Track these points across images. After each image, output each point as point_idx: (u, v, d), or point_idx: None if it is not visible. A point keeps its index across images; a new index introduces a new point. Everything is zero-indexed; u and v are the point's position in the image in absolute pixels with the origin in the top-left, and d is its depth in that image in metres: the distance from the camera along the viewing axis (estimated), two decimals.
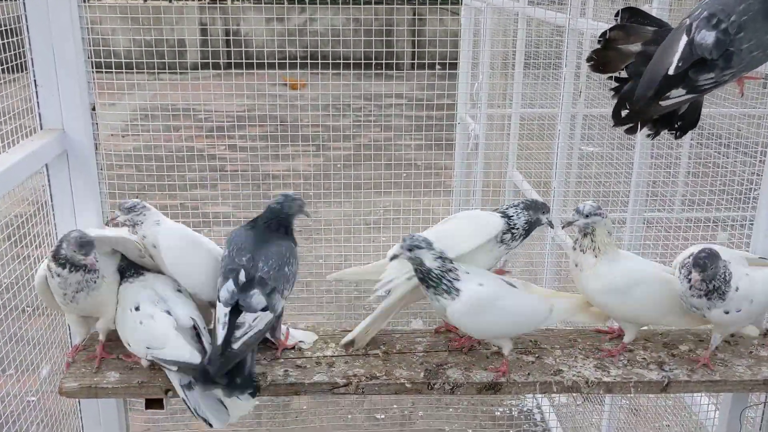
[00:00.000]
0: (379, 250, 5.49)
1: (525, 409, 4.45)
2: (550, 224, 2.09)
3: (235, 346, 1.83)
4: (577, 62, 3.99)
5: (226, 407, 1.88)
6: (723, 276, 1.88)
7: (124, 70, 3.72)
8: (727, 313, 1.91)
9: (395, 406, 4.43)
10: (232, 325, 1.85)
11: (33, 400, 2.72)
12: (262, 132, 6.79)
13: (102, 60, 3.63)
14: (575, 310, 2.06)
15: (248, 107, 7.35)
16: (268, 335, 1.98)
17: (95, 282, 1.82)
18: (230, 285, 1.88)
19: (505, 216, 2.04)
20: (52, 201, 1.97)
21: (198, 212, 4.37)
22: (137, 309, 1.88)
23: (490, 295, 1.88)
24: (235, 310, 1.86)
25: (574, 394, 4.15)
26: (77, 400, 2.18)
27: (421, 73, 4.79)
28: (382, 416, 4.35)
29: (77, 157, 1.93)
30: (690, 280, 1.87)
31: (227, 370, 1.82)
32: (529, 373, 1.99)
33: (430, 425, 4.26)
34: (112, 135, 7.44)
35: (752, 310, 1.96)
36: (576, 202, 4.27)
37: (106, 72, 3.76)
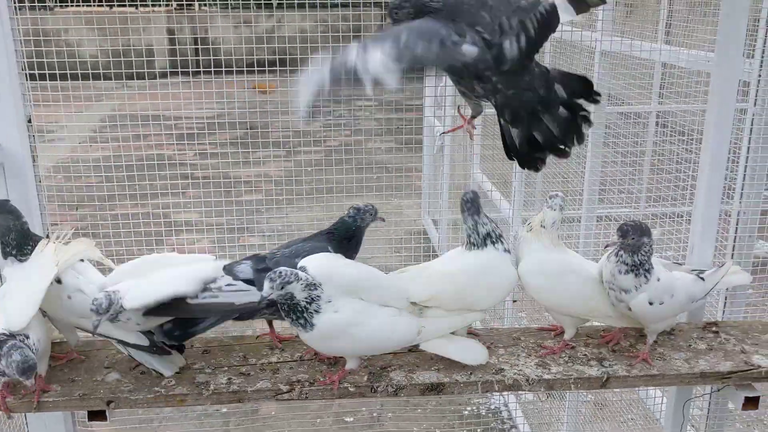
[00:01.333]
0: None
1: (492, 407, 4.48)
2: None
3: (191, 301, 1.85)
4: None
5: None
6: (647, 252, 1.96)
7: (98, 80, 3.72)
8: (651, 303, 1.96)
9: (364, 408, 4.44)
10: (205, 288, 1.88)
11: None
12: (231, 138, 6.80)
13: (67, 71, 3.63)
14: (447, 331, 2.04)
15: (218, 113, 7.34)
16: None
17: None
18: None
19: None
20: None
21: (167, 220, 4.37)
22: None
23: (342, 323, 1.86)
24: None
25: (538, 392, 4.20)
26: (24, 416, 2.17)
27: None
28: (351, 419, 4.37)
29: (14, 170, 1.93)
30: (616, 255, 1.95)
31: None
32: (471, 373, 2.01)
33: (399, 426, 4.29)
34: (80, 143, 7.40)
35: (673, 305, 2.01)
36: (540, 201, 4.32)
37: (72, 82, 3.76)
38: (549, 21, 1.85)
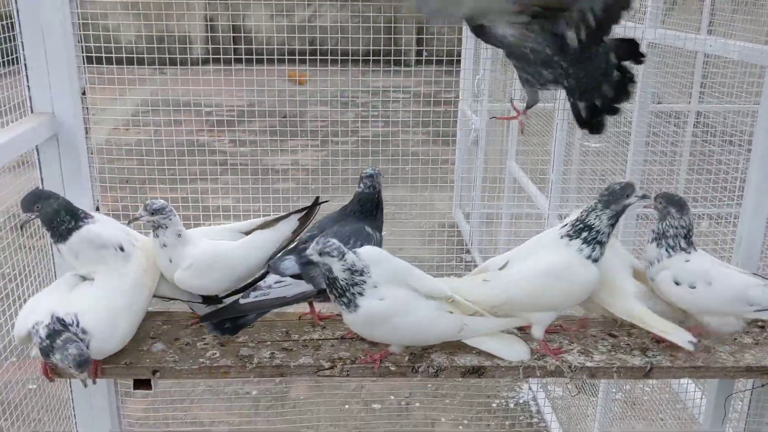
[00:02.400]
0: (384, 244, 5.51)
1: (521, 401, 4.47)
2: (645, 197, 1.98)
3: (243, 301, 1.90)
4: None
5: None
6: (674, 225, 1.96)
7: (133, 65, 3.76)
8: (677, 284, 1.93)
9: (392, 396, 4.46)
10: (254, 285, 1.93)
11: (33, 388, 2.76)
12: (264, 126, 6.84)
13: (104, 55, 3.66)
14: (490, 331, 2.02)
15: (252, 102, 7.37)
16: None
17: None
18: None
19: (586, 230, 1.95)
20: (42, 185, 2.00)
21: (199, 205, 4.41)
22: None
23: (386, 312, 1.86)
24: None
25: (568, 386, 4.17)
26: (69, 387, 2.21)
27: (423, 68, 4.81)
28: (379, 406, 4.38)
29: (67, 141, 1.96)
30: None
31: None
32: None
33: (426, 416, 4.29)
34: (114, 129, 7.50)
35: (711, 296, 1.97)
36: (575, 197, 4.28)
37: (113, 66, 3.81)
38: (611, 12, 1.84)
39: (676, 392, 2.98)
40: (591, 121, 1.99)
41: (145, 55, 4.12)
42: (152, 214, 1.89)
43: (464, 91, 6.09)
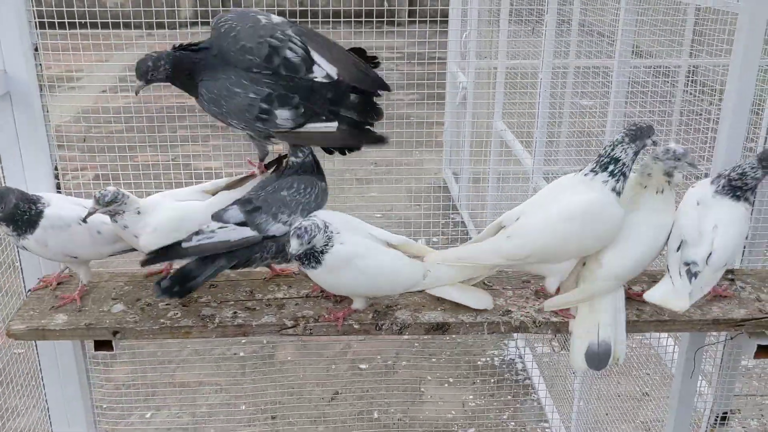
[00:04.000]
0: (369, 208, 5.50)
1: (507, 358, 4.49)
2: (655, 144, 1.96)
3: (185, 245, 1.87)
4: (558, 11, 3.93)
5: None
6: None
7: (119, 29, 3.69)
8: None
9: (379, 356, 4.48)
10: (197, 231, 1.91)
11: (20, 353, 2.77)
12: None
13: (97, 20, 3.61)
14: (454, 280, 2.01)
15: None
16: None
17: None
18: None
19: (612, 163, 1.91)
20: None
21: (189, 166, 4.38)
22: None
23: (348, 254, 1.86)
24: None
25: (552, 343, 4.19)
26: (36, 351, 2.21)
27: (416, 28, 4.75)
28: (365, 366, 4.40)
29: (21, 99, 1.93)
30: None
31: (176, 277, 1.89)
32: (477, 314, 1.99)
33: (412, 374, 4.32)
34: (102, 92, 7.44)
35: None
36: (564, 157, 4.23)
37: (96, 30, 3.74)
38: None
39: (656, 348, 2.98)
40: (364, 135, 2.05)
41: (132, 20, 4.05)
42: (107, 205, 1.85)
43: (451, 50, 6.01)
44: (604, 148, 1.96)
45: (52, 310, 1.93)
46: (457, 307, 2.02)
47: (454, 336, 4.06)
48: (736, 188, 1.98)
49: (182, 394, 4.09)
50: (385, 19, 8.58)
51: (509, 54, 4.82)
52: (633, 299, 2.04)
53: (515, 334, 4.46)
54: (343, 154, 2.17)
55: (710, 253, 1.93)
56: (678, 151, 1.94)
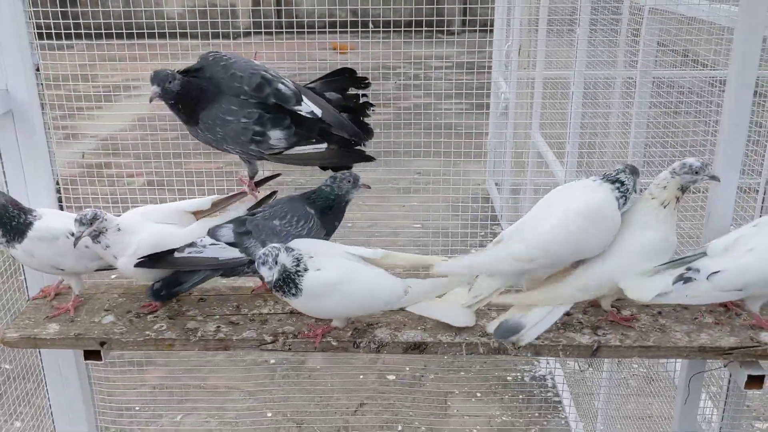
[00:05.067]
0: (407, 217, 5.52)
1: (537, 375, 4.42)
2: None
3: (177, 254, 1.95)
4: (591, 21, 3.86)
5: None
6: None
7: (177, 39, 3.82)
8: None
9: (407, 368, 4.48)
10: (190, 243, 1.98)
11: (8, 368, 2.88)
12: None
13: (147, 31, 3.76)
14: (434, 293, 2.02)
15: (293, 73, 7.40)
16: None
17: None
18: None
19: (618, 182, 1.95)
20: (1, 159, 2.08)
21: (232, 176, 4.49)
22: None
23: (329, 280, 1.87)
24: None
25: (578, 362, 4.10)
26: (41, 360, 2.31)
27: (466, 38, 4.75)
28: (393, 377, 4.41)
29: (22, 117, 2.03)
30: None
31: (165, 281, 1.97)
32: (456, 334, 1.99)
33: (439, 387, 4.30)
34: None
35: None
36: (598, 169, 4.15)
37: (154, 40, 3.90)
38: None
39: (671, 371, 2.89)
40: (353, 155, 2.14)
41: (188, 30, 4.19)
42: (90, 224, 1.91)
43: (495, 59, 5.98)
44: (609, 172, 1.99)
45: (46, 320, 2.02)
46: (439, 325, 2.02)
47: None
48: None
49: (212, 399, 4.19)
50: (434, 28, 8.56)
51: (548, 64, 4.76)
52: (618, 323, 2.00)
53: None
54: (335, 170, 2.20)
55: (717, 272, 1.88)
56: (695, 165, 1.92)
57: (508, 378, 4.39)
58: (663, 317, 2.04)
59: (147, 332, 1.98)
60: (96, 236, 1.93)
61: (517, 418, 4.07)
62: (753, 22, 1.93)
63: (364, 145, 2.17)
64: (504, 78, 5.84)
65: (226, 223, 2.04)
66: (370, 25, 3.76)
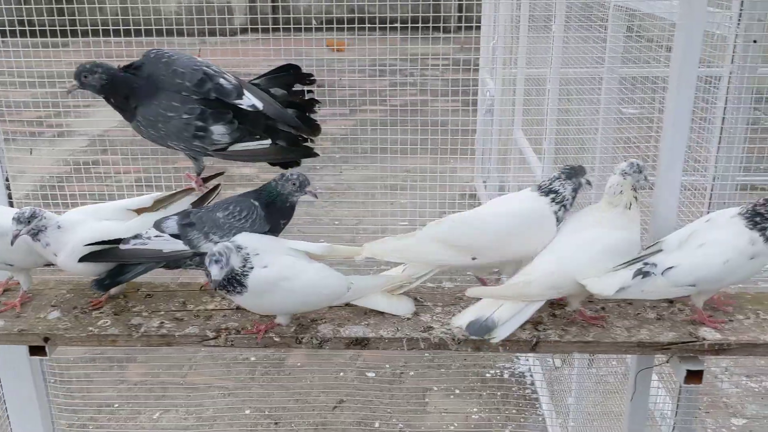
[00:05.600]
0: (395, 214, 5.52)
1: (517, 371, 4.42)
2: (589, 183, 2.10)
3: (123, 247, 1.98)
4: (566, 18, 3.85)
5: None
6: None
7: (174, 36, 3.85)
8: None
9: (387, 365, 4.49)
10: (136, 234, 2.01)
11: None
12: None
13: (144, 27, 3.77)
14: (377, 289, 2.06)
15: None
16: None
17: None
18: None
19: (553, 193, 2.04)
20: None
21: (226, 175, 4.50)
22: None
23: (273, 277, 1.90)
24: None
25: (553, 359, 4.10)
26: None
27: (462, 35, 4.74)
28: (373, 374, 4.42)
29: None
30: None
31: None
32: (398, 329, 2.00)
33: (418, 384, 4.31)
34: None
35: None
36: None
37: (149, 38, 3.92)
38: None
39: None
40: (299, 151, 2.16)
41: (184, 27, 4.20)
42: (28, 222, 1.93)
43: (483, 57, 5.98)
44: (544, 182, 2.08)
45: None
46: (382, 321, 2.03)
47: None
48: (756, 216, 1.91)
49: (191, 396, 4.21)
50: (431, 24, 8.53)
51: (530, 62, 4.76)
52: (588, 322, 2.01)
53: None
54: (285, 167, 2.22)
55: (672, 267, 1.90)
56: (639, 164, 1.99)
57: (487, 375, 4.39)
58: (606, 313, 2.04)
59: (91, 328, 2.00)
60: (35, 234, 1.95)
61: (495, 414, 4.08)
62: (693, 17, 1.93)
63: (312, 141, 2.19)
64: (490, 76, 5.83)
65: (173, 215, 2.06)
66: (366, 21, 3.76)
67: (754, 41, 2.02)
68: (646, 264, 1.93)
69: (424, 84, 7.85)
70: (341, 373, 4.44)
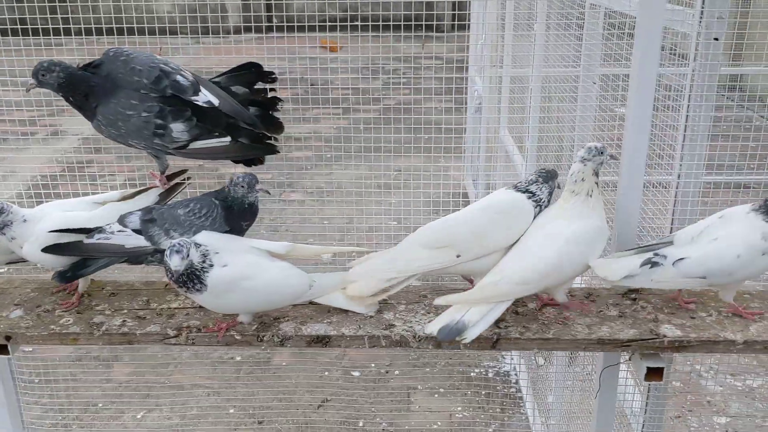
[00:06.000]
0: (389, 213, 5.52)
1: (502, 370, 4.42)
2: (559, 187, 2.13)
3: (86, 241, 1.99)
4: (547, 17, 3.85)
5: None
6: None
7: (166, 35, 3.84)
8: None
9: (373, 364, 4.49)
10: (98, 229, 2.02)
11: None
12: (291, 94, 6.91)
13: (144, 25, 3.78)
14: (339, 286, 2.07)
15: (283, 70, 7.42)
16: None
17: None
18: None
19: (529, 193, 2.06)
20: None
21: (214, 175, 4.52)
22: None
23: (232, 276, 1.90)
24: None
25: (535, 357, 4.10)
26: None
27: (456, 33, 4.73)
28: (358, 374, 4.42)
29: None
30: None
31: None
32: (360, 327, 2.00)
33: (403, 383, 4.31)
34: None
35: None
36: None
37: (146, 37, 3.93)
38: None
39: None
40: (260, 148, 2.16)
41: (178, 25, 4.20)
42: None
43: (472, 57, 5.98)
44: (520, 182, 2.10)
45: None
46: (345, 319, 2.03)
47: None
48: None
49: (175, 395, 4.21)
50: (423, 22, 8.57)
51: (515, 61, 4.76)
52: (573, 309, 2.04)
53: None
54: (249, 165, 2.22)
55: (683, 258, 1.91)
56: (599, 146, 2.00)
57: (472, 374, 4.38)
58: (568, 310, 2.04)
59: (52, 326, 2.01)
60: (1, 228, 1.96)
61: (479, 413, 4.08)
62: (651, 15, 1.93)
63: (275, 139, 2.19)
64: (479, 76, 5.83)
65: (137, 210, 2.07)
66: (359, 20, 3.77)
67: (716, 39, 2.01)
68: (656, 254, 1.95)
69: (416, 83, 7.85)
70: (326, 373, 4.44)
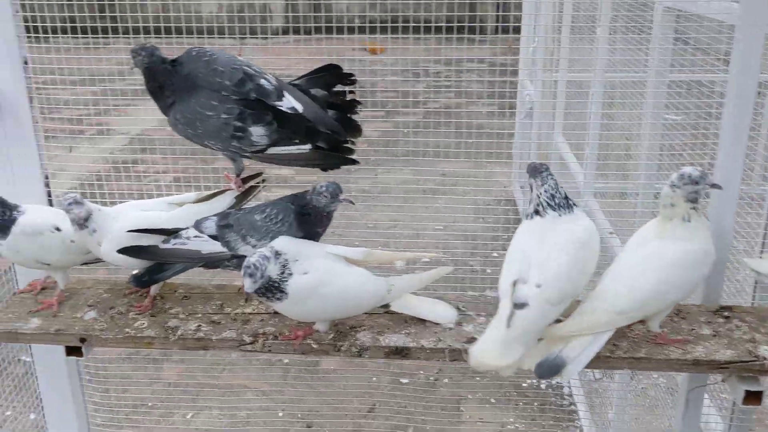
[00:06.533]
0: (430, 219, 5.45)
1: (554, 382, 4.32)
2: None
3: (162, 246, 1.96)
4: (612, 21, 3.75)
5: None
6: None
7: (214, 35, 3.85)
8: None
9: (422, 372, 4.42)
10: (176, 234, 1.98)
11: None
12: None
13: (192, 25, 3.79)
14: (417, 287, 2.02)
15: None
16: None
17: None
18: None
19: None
20: None
21: (264, 176, 4.48)
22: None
23: (313, 284, 1.85)
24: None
25: (593, 370, 3.99)
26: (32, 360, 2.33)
27: (499, 36, 4.67)
28: (407, 381, 4.36)
29: (10, 110, 2.04)
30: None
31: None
32: (440, 340, 1.94)
33: (453, 393, 4.23)
34: None
35: None
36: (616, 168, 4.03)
37: (193, 36, 3.93)
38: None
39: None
40: (339, 156, 2.10)
41: (225, 25, 4.20)
42: (81, 204, 1.92)
43: (522, 61, 5.90)
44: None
45: (29, 314, 2.03)
46: (423, 330, 1.97)
47: None
48: None
49: (225, 397, 4.19)
50: (466, 24, 8.49)
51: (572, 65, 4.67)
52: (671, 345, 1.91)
53: None
54: (323, 170, 2.17)
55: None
56: (694, 175, 1.81)
57: (524, 385, 4.29)
58: (660, 327, 1.95)
59: (127, 330, 1.97)
60: (85, 219, 1.93)
61: (531, 425, 3.99)
62: (754, 19, 1.84)
63: (353, 143, 2.14)
64: (530, 80, 5.75)
65: (212, 215, 2.03)
66: (399, 21, 3.72)
67: None
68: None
69: (460, 87, 7.77)
70: (374, 379, 4.38)
